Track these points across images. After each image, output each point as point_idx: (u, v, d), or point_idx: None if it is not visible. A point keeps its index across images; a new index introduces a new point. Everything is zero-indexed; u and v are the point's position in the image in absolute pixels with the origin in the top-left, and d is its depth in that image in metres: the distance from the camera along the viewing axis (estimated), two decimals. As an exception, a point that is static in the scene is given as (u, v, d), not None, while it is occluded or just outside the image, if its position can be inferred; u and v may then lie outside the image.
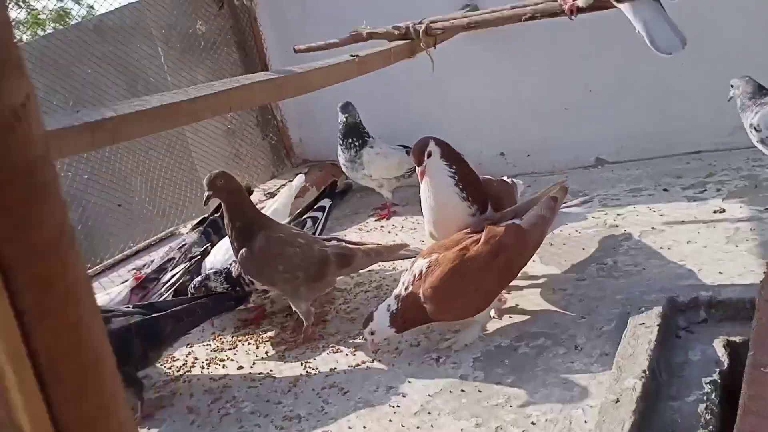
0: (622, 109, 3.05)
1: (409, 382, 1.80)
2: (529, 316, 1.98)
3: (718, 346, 1.59)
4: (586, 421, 1.47)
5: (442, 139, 2.06)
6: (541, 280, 2.19)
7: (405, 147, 3.10)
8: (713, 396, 1.43)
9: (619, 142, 3.09)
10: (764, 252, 1.98)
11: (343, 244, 2.30)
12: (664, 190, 2.66)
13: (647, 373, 1.46)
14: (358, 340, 2.07)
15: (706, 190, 2.55)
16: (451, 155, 2.02)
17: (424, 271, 1.85)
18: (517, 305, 2.06)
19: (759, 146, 2.29)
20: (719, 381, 1.48)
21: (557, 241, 2.43)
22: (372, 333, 1.90)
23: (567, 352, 1.75)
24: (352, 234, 3.01)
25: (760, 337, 1.40)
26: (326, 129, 3.65)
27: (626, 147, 3.08)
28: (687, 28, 1.98)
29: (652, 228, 2.35)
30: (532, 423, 1.52)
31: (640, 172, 2.92)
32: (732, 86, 2.34)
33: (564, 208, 2.11)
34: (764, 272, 1.62)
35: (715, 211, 2.35)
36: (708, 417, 1.36)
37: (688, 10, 2.21)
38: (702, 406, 1.39)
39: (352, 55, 2.22)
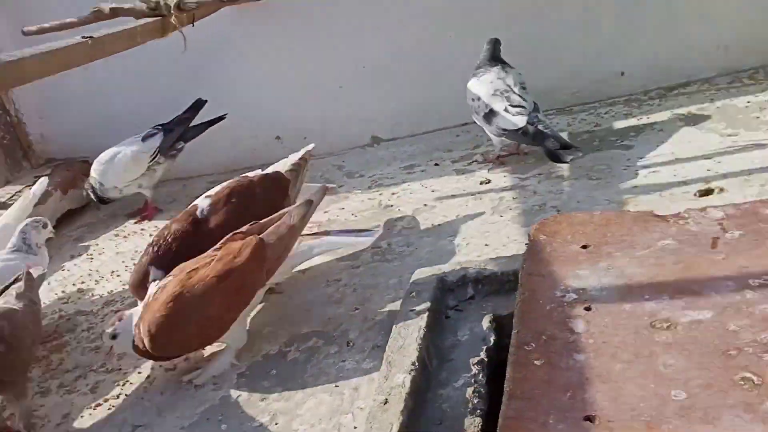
0: (396, 85, 2.99)
1: (161, 416, 1.52)
2: (302, 316, 1.80)
3: (485, 323, 1.53)
4: (355, 428, 1.32)
5: (163, 254, 1.76)
6: (315, 272, 2.02)
7: (161, 127, 2.77)
8: (480, 377, 1.36)
9: (393, 119, 3.03)
10: (526, 220, 2.00)
11: None
12: (436, 164, 2.64)
13: (417, 365, 1.36)
14: (101, 374, 1.74)
15: (473, 161, 2.57)
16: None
17: (151, 298, 1.58)
18: (287, 303, 1.87)
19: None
20: (486, 359, 1.42)
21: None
22: (113, 338, 1.58)
23: (339, 351, 1.59)
24: (106, 242, 2.62)
25: (523, 314, 1.34)
26: (75, 120, 3.17)
27: (401, 124, 3.03)
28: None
29: (425, 205, 2.30)
30: (298, 440, 1.34)
31: (414, 149, 2.88)
32: None
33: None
34: (526, 243, 1.59)
35: (481, 182, 2.36)
36: (476, 401, 1.29)
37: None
38: (470, 390, 1.31)
39: (84, 37, 1.86)
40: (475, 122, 2.50)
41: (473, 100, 2.38)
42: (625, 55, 2.77)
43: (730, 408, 1.00)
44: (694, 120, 2.43)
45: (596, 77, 2.81)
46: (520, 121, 2.22)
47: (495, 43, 2.46)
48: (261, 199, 1.86)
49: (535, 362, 1.19)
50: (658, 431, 0.99)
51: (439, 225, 2.12)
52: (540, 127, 2.21)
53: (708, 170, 2.03)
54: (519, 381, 1.15)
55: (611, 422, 1.03)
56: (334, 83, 3.05)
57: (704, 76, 2.76)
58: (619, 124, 2.58)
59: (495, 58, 2.41)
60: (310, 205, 1.79)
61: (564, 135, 2.52)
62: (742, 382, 1.04)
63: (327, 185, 1.97)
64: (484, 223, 2.07)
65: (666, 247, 1.45)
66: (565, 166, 2.27)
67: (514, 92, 2.28)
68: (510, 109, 2.24)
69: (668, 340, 1.18)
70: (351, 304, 1.78)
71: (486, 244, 1.92)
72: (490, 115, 2.30)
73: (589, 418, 1.04)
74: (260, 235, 1.67)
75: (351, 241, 1.89)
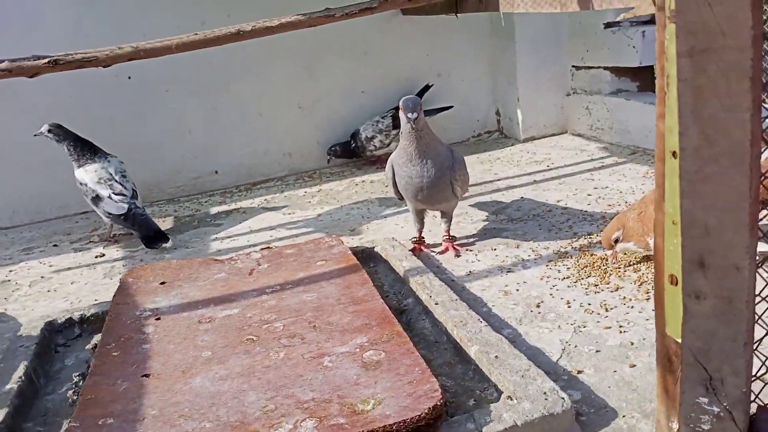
0: (9, 176, 3.23)
1: None
2: None
3: (89, 350, 1.95)
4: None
5: None
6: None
7: None
8: (80, 383, 1.76)
9: (10, 208, 3.25)
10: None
11: None
12: (54, 245, 2.96)
13: (24, 379, 1.70)
14: None
15: (90, 241, 2.97)
16: None
17: None
18: None
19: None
20: (87, 373, 1.82)
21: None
22: None
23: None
24: None
25: (108, 328, 1.83)
26: None
27: (18, 212, 3.26)
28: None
29: (42, 277, 2.61)
30: None
31: (32, 234, 3.15)
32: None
33: None
34: (118, 286, 2.09)
35: (96, 257, 2.77)
36: (75, 398, 1.68)
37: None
38: (70, 392, 1.71)
39: None
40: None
41: (81, 184, 2.81)
42: (217, 158, 3.55)
43: (237, 354, 1.63)
44: (268, 205, 3.26)
45: (195, 174, 3.53)
46: (123, 208, 2.72)
47: (60, 127, 2.83)
48: None
49: (113, 354, 1.69)
50: (189, 373, 1.56)
51: (55, 290, 2.46)
52: (138, 213, 2.74)
53: (271, 236, 2.81)
54: (98, 365, 1.63)
55: (160, 375, 1.57)
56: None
57: (278, 175, 3.69)
58: (215, 209, 3.28)
59: (91, 148, 2.85)
60: None
61: (170, 219, 3.12)
62: (247, 341, 1.69)
63: None
64: (95, 285, 2.48)
65: (219, 278, 2.11)
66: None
67: (116, 180, 2.78)
68: (113, 196, 2.73)
69: (208, 328, 1.79)
70: (-38, 357, 2.00)
71: (96, 300, 2.33)
72: (96, 199, 2.76)
73: (146, 375, 1.57)
74: None
75: None
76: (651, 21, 3.30)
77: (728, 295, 0.85)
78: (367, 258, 2.30)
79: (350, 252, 2.22)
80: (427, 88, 3.62)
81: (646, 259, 2.06)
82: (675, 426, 0.93)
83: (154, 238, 2.70)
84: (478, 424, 1.31)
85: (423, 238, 2.44)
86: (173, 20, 3.08)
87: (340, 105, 3.69)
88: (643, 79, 3.51)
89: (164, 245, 2.71)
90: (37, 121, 3.18)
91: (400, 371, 1.44)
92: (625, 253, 2.06)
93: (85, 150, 2.84)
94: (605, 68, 3.54)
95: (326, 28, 2.72)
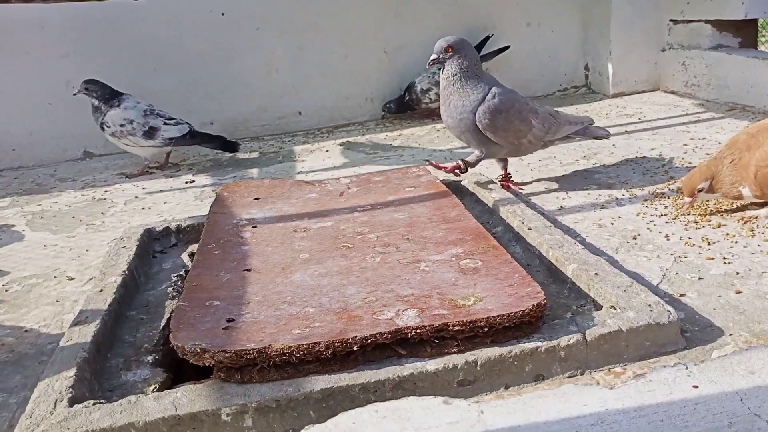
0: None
1: None
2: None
3: (185, 256, 2.02)
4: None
5: None
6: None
7: None
8: (179, 283, 1.83)
9: (103, 137, 3.37)
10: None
11: None
12: (147, 172, 3.07)
13: (127, 273, 1.78)
14: None
15: (180, 170, 3.06)
16: None
17: None
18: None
19: (110, 138, 2.99)
20: (184, 275, 1.90)
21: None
22: None
23: (59, 282, 1.92)
24: None
25: (207, 232, 1.89)
26: None
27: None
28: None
29: (136, 197, 2.72)
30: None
31: (125, 161, 3.27)
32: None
33: None
34: (215, 195, 2.15)
35: (186, 182, 2.86)
36: (174, 293, 1.75)
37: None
38: (170, 289, 1.78)
39: None
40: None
41: (123, 124, 2.89)
42: (301, 99, 3.59)
43: (333, 257, 1.65)
44: (350, 146, 3.28)
45: (279, 114, 3.58)
46: (185, 128, 2.93)
47: (94, 83, 2.96)
48: None
49: (214, 252, 1.74)
50: (288, 270, 1.59)
51: (149, 208, 2.56)
52: (196, 131, 2.97)
53: (354, 171, 2.83)
54: (201, 260, 1.68)
55: (261, 270, 1.61)
56: (42, 100, 3.29)
57: (359, 120, 3.71)
58: (298, 149, 3.33)
59: (112, 91, 2.97)
60: None
61: (255, 154, 3.19)
62: (342, 248, 1.71)
63: None
64: (187, 206, 2.56)
65: (311, 198, 2.14)
66: (254, 172, 2.90)
67: (157, 110, 2.93)
68: (168, 122, 2.88)
69: (303, 236, 1.82)
70: (68, 259, 2.12)
71: (189, 215, 2.41)
72: (151, 131, 2.87)
73: (247, 270, 1.61)
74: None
75: None
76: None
77: None
78: (454, 191, 2.28)
79: (439, 180, 2.21)
80: (486, 39, 3.57)
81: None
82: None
83: (230, 143, 3.03)
84: (581, 327, 1.29)
85: (509, 174, 2.41)
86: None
87: (424, 52, 3.61)
88: (746, 34, 3.32)
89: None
90: (134, 57, 3.30)
91: (499, 276, 1.43)
92: (704, 202, 1.96)
93: (112, 94, 2.95)
94: (706, 21, 3.37)
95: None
